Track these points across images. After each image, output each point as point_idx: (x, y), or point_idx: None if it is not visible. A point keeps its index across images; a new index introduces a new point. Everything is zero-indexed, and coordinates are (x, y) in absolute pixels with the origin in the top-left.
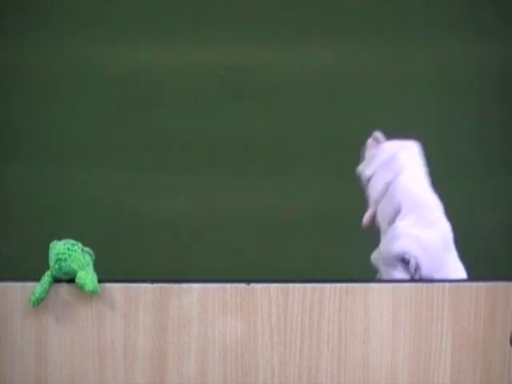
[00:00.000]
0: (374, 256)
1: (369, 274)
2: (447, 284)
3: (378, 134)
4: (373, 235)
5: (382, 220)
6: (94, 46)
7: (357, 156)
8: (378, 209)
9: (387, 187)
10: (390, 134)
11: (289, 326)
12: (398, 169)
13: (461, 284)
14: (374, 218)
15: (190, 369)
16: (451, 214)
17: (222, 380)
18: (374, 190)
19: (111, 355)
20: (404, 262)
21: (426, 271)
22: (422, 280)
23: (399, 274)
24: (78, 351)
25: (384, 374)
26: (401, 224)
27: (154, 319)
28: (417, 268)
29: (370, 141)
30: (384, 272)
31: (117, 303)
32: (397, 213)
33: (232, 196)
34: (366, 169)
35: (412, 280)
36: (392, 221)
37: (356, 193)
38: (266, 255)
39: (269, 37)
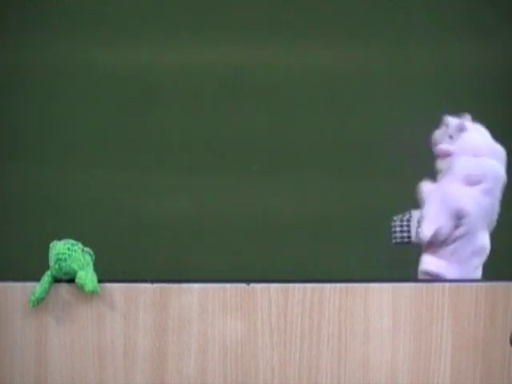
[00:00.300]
0: (428, 187)
1: (369, 274)
2: (447, 284)
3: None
4: (373, 235)
5: (457, 168)
6: (94, 46)
7: (357, 156)
8: (459, 157)
9: (481, 154)
10: (390, 134)
11: (289, 326)
12: (497, 157)
13: (461, 284)
14: (447, 153)
15: (189, 369)
16: None
17: (222, 380)
18: (468, 140)
19: (111, 355)
20: (457, 222)
21: (462, 252)
22: (421, 280)
23: (445, 220)
24: (77, 351)
25: (384, 374)
26: (480, 195)
27: (154, 319)
28: (460, 239)
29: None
30: (431, 207)
31: (117, 303)
32: (478, 181)
33: (232, 196)
34: (465, 119)
35: (412, 280)
36: (469, 182)
37: (356, 193)
38: (266, 255)
39: (269, 37)
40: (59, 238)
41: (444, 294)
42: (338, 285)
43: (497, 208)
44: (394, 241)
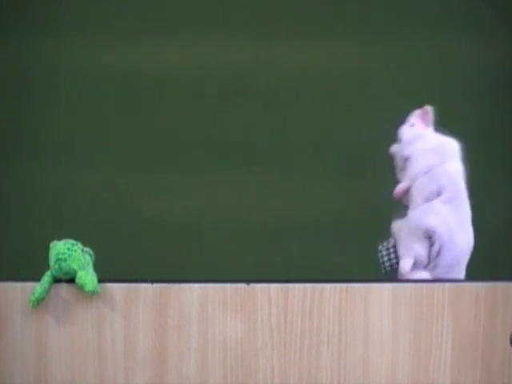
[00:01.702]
0: (397, 225)
1: (369, 274)
2: (447, 284)
3: (429, 108)
4: (373, 236)
5: (417, 194)
6: (95, 46)
7: (357, 156)
8: (414, 184)
9: (431, 168)
10: (390, 134)
11: (289, 326)
12: (445, 156)
13: (461, 284)
14: (406, 192)
15: (190, 368)
16: None
17: (222, 380)
18: (413, 167)
19: (111, 355)
20: (430, 240)
21: (444, 264)
22: (422, 280)
23: (419, 247)
24: (77, 351)
25: (384, 373)
26: (440, 206)
27: (154, 319)
28: (438, 254)
29: (420, 111)
30: (404, 241)
31: (117, 303)
32: (437, 194)
33: (232, 196)
34: (404, 149)
35: (412, 280)
36: (429, 199)
37: (356, 193)
38: (266, 255)
39: (269, 37)
40: (59, 238)
41: (444, 294)
42: (338, 285)
43: (466, 205)
44: (384, 270)
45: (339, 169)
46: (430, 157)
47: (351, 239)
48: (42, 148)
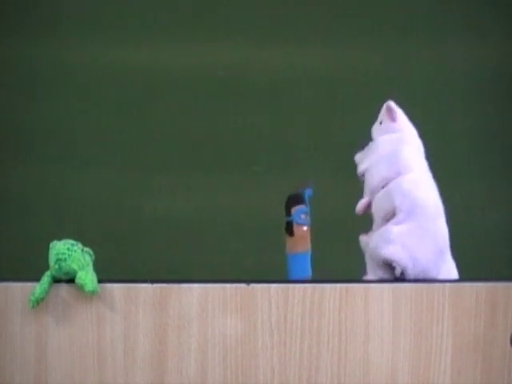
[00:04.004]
0: (363, 241)
1: None
2: (447, 284)
3: (392, 104)
4: None
5: (376, 213)
6: (94, 46)
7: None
8: (374, 199)
9: (385, 182)
10: None
11: (289, 326)
12: (400, 168)
13: (461, 284)
14: (368, 206)
15: (189, 368)
16: (451, 214)
17: (222, 380)
18: (370, 181)
19: (111, 355)
20: (390, 267)
21: (417, 269)
22: (422, 280)
23: (381, 272)
24: (77, 351)
25: (384, 373)
26: (395, 230)
27: (154, 319)
28: (401, 276)
29: (385, 108)
30: (369, 262)
31: (117, 303)
32: (392, 214)
33: (232, 196)
34: (361, 162)
35: (412, 280)
36: (386, 220)
37: (356, 193)
38: (266, 255)
39: (269, 37)
40: (59, 238)
41: (444, 294)
42: (338, 285)
43: (432, 199)
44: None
45: (339, 169)
46: (385, 167)
47: (351, 239)
48: (42, 148)
